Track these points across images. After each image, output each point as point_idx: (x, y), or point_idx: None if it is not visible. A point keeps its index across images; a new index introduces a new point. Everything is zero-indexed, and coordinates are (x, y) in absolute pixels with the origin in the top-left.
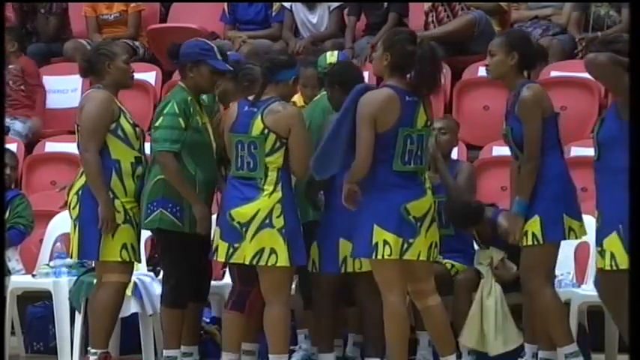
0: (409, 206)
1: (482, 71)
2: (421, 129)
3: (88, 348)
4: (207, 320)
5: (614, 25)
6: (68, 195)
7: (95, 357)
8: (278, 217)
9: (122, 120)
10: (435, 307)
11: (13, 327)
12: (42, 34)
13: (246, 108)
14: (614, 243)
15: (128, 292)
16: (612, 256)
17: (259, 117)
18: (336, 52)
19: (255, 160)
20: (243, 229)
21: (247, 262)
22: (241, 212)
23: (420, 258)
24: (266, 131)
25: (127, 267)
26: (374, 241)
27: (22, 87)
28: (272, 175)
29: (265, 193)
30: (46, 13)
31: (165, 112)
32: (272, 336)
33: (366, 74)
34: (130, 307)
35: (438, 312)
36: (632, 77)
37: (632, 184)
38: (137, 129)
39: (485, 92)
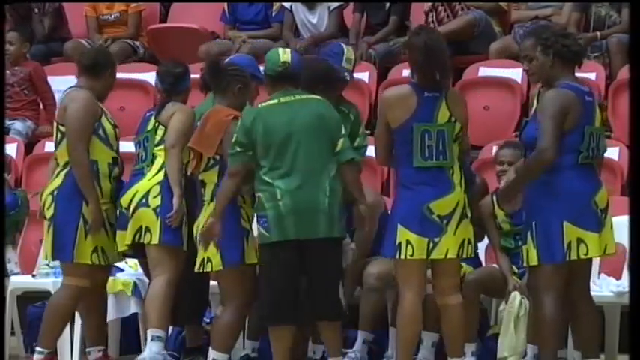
0: (432, 205)
1: (482, 71)
2: (442, 124)
3: (86, 349)
4: (208, 320)
5: (614, 25)
6: (41, 197)
7: (41, 356)
8: (155, 197)
9: (104, 120)
10: (454, 307)
11: (13, 327)
12: (37, 34)
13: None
14: (528, 241)
15: (128, 292)
16: (527, 253)
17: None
18: (288, 50)
19: (147, 152)
20: (128, 213)
21: (129, 242)
22: (124, 197)
23: (449, 256)
24: (156, 125)
25: (92, 271)
26: (398, 241)
27: (26, 91)
28: (158, 162)
29: (147, 176)
30: (39, 14)
31: None
32: (150, 311)
33: (365, 74)
34: (130, 307)
35: (456, 312)
36: (632, 77)
37: (632, 185)
38: (117, 130)
39: (486, 92)
